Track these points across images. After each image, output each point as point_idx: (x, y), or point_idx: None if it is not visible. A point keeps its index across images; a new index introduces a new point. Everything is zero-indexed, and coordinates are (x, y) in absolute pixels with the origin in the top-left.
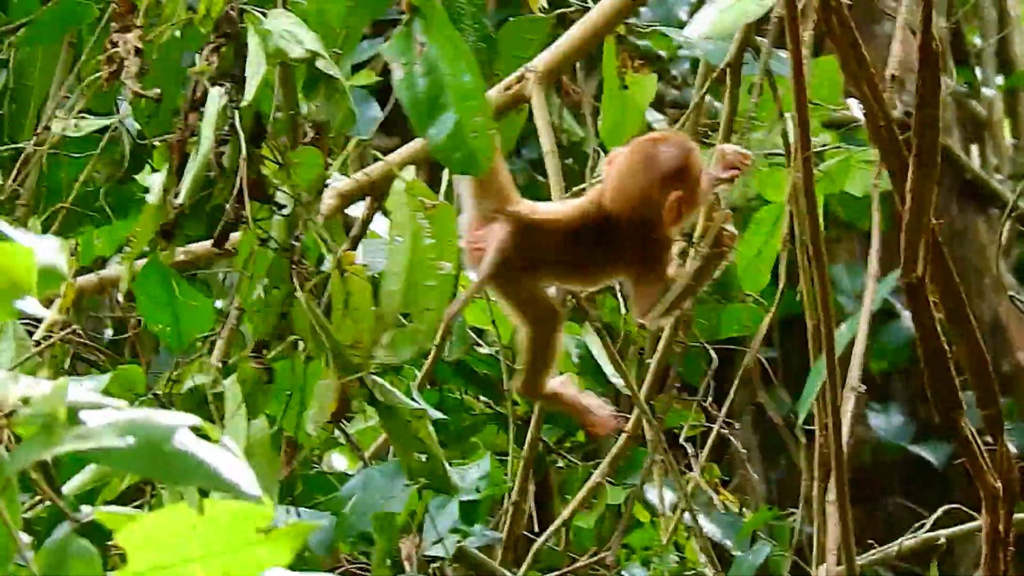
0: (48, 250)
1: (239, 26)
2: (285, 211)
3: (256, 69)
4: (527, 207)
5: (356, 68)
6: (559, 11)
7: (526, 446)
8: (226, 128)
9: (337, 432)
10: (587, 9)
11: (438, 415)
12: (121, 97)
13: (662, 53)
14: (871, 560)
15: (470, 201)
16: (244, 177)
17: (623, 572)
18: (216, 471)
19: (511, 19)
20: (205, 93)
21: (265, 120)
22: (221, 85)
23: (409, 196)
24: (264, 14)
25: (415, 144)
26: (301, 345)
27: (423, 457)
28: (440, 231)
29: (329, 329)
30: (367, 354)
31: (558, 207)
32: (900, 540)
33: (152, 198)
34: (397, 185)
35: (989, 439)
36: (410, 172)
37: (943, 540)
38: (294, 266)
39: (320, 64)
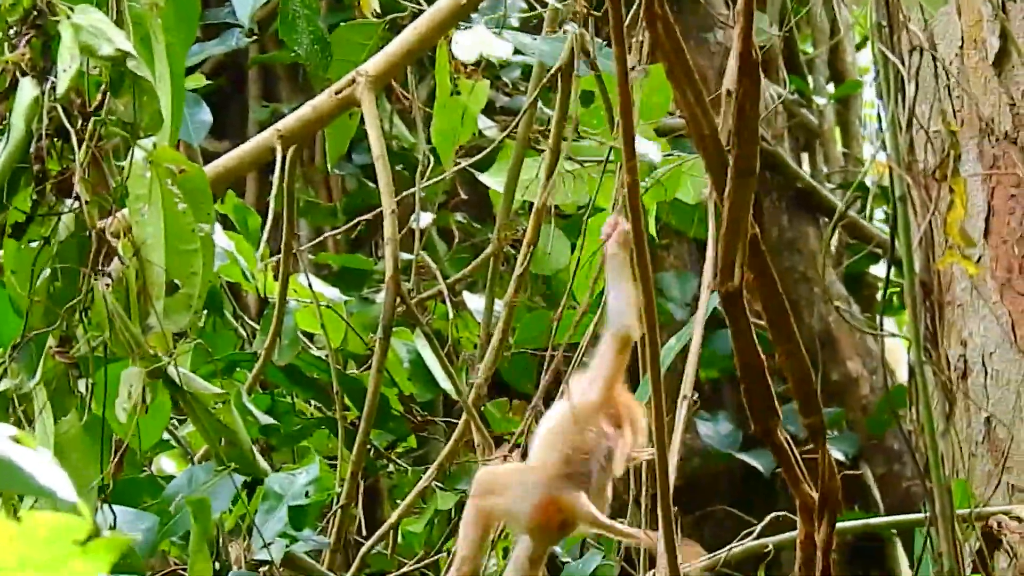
0: None
1: (50, 19)
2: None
3: (69, 63)
4: None
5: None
6: (392, 16)
7: (355, 450)
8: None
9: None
10: (420, 13)
11: (268, 420)
12: None
13: (494, 59)
14: (699, 567)
15: None
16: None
17: None
18: (33, 478)
19: (343, 23)
20: (15, 83)
21: (73, 115)
22: (33, 76)
23: (154, 166)
24: (72, 9)
25: (245, 148)
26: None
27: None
28: (192, 195)
29: (127, 320)
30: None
31: None
32: (728, 547)
33: None
34: (136, 155)
35: (811, 447)
36: (149, 143)
37: (770, 547)
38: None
39: (130, 64)
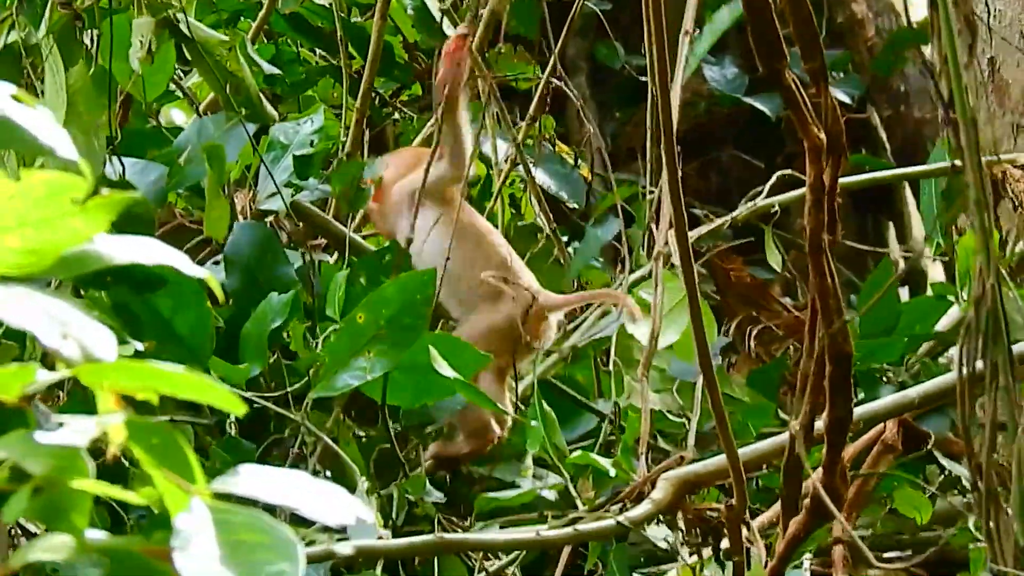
0: None
1: None
2: None
3: None
4: None
5: None
6: None
7: (360, 98)
8: None
9: (173, 86)
10: None
11: (273, 69)
12: None
13: None
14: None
15: None
16: None
17: None
18: (33, 135)
19: None
20: None
21: None
22: None
23: None
24: None
25: None
26: None
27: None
28: None
29: None
30: None
31: None
32: (734, 213)
33: None
34: None
35: (814, 91)
36: None
37: (776, 208)
38: None
39: None
